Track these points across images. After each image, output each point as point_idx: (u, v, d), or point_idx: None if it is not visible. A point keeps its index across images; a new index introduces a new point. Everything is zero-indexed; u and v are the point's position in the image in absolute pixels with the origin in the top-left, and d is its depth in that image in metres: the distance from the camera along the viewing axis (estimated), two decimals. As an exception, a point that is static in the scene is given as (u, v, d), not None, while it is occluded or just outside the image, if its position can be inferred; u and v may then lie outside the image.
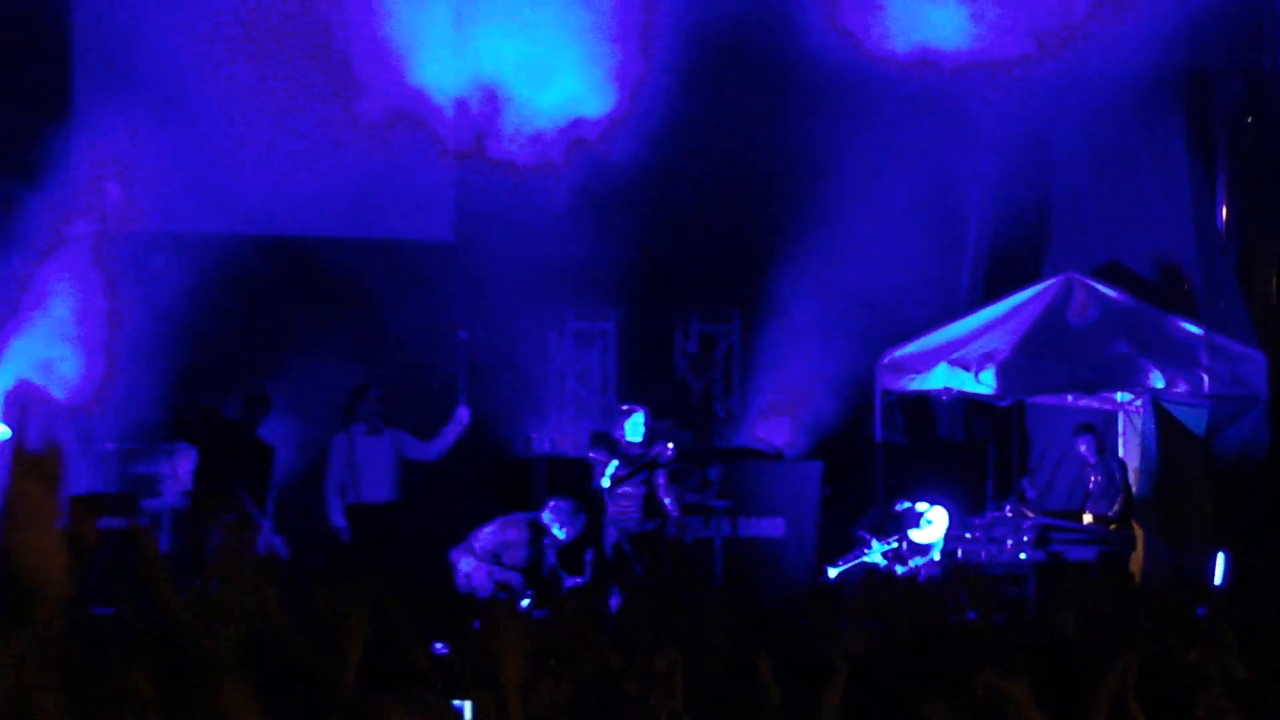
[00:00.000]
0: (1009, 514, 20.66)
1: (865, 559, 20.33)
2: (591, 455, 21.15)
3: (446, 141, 22.53)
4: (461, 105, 22.46)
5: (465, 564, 20.70)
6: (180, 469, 20.28)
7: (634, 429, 20.73)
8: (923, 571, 20.00)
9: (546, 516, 20.22)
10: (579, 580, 19.88)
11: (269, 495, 20.03)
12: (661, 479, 20.82)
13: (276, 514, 19.91)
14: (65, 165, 21.51)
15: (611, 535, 20.60)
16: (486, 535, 20.49)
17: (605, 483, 20.55)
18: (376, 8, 22.56)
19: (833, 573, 20.22)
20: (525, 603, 19.50)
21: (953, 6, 22.85)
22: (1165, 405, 21.93)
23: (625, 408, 21.34)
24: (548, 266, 22.51)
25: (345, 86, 22.18)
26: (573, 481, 21.08)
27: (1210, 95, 23.49)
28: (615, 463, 20.70)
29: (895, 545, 20.31)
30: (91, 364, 21.14)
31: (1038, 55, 22.81)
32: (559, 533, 19.96)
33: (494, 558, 20.50)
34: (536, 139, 22.24)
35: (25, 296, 20.64)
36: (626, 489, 20.69)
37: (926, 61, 22.67)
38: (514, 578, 20.42)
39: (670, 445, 20.81)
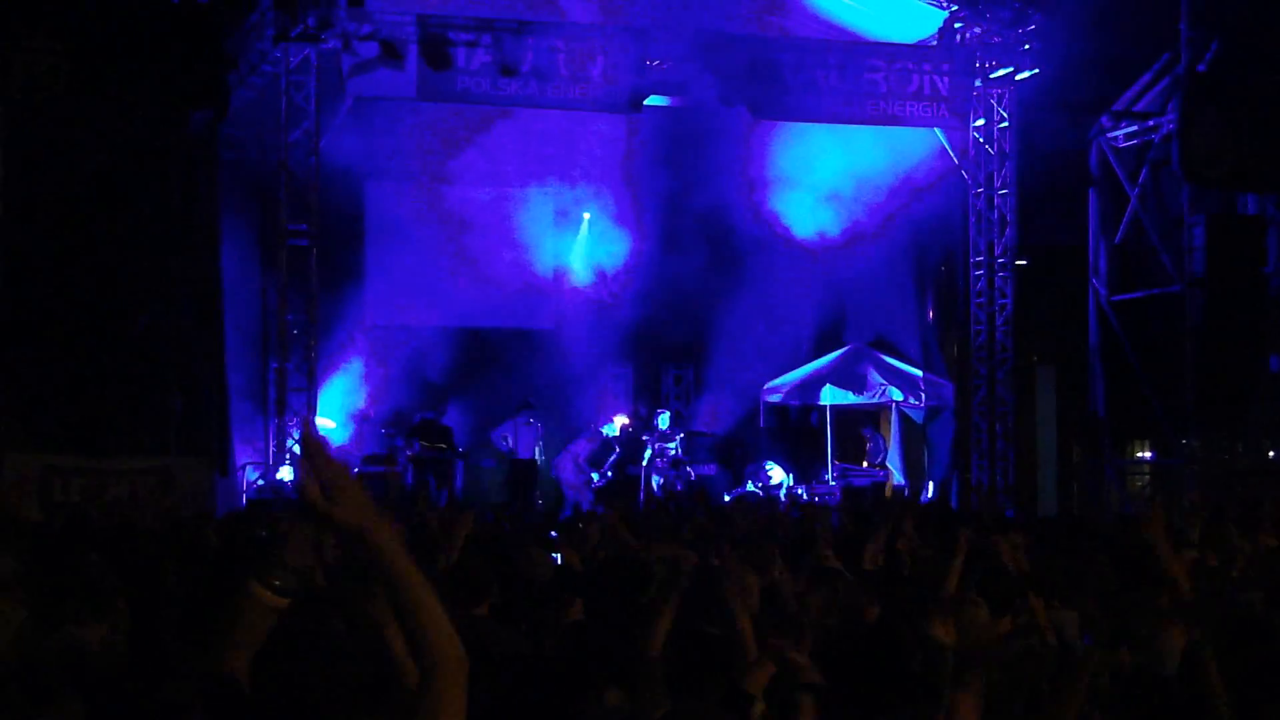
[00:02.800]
0: (837, 469, 29.98)
1: (747, 489, 29.30)
2: (644, 437, 29.65)
3: (549, 292, 31.52)
4: (558, 272, 31.55)
5: (561, 461, 29.14)
6: (414, 443, 28.17)
7: (664, 420, 29.74)
8: (781, 498, 28.32)
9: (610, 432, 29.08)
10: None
11: (458, 452, 28.94)
12: (670, 449, 29.42)
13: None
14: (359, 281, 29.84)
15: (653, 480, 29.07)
16: (576, 442, 29.33)
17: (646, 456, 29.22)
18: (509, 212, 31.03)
19: (727, 497, 28.53)
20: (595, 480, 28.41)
21: (830, 209, 31.19)
22: (904, 410, 31.33)
23: (658, 410, 30.28)
24: (605, 347, 31.04)
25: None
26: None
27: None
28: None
29: (760, 484, 29.50)
30: (365, 397, 29.61)
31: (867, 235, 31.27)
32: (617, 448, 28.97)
33: (576, 458, 29.07)
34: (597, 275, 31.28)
35: (334, 361, 28.76)
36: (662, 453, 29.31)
37: (804, 243, 31.57)
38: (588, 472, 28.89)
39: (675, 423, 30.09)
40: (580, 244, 31.57)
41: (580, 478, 28.91)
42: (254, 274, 26.70)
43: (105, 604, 8.08)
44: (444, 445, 28.84)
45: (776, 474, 29.62)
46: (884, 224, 31.08)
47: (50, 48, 23.13)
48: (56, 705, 5.73)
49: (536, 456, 29.25)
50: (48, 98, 23.34)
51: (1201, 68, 27.50)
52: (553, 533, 15.63)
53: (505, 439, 29.11)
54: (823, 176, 30.65)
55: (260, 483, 25.62)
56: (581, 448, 29.32)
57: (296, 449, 24.18)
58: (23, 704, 6.01)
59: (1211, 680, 6.86)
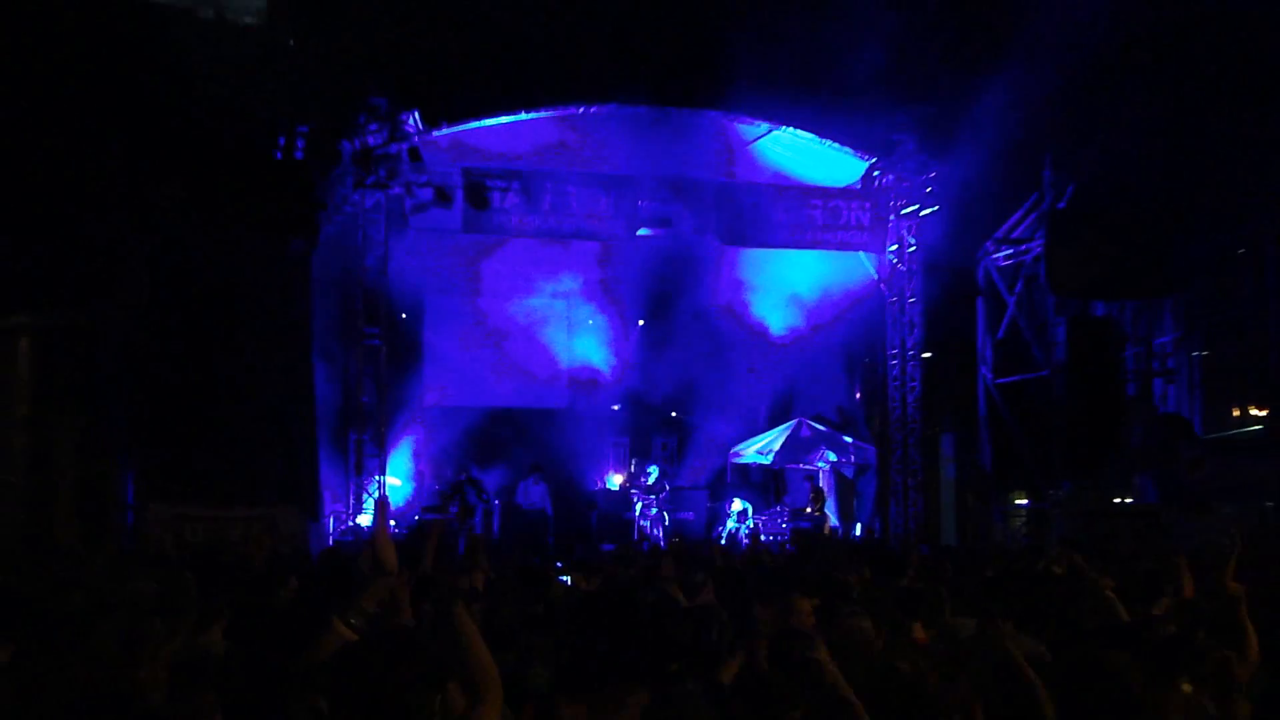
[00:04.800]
0: (779, 509, 29.77)
1: (718, 530, 29.21)
2: (634, 490, 29.39)
3: (564, 378, 31.61)
4: (570, 363, 31.26)
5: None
6: (456, 501, 26.95)
7: (652, 477, 29.39)
8: (741, 534, 28.54)
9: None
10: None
11: (492, 501, 28.00)
12: (658, 497, 29.03)
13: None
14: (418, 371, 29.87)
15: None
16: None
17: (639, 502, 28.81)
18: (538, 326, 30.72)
19: (714, 533, 28.90)
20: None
21: (781, 312, 31.53)
22: (838, 468, 31.36)
23: (647, 470, 29.74)
24: (606, 421, 31.12)
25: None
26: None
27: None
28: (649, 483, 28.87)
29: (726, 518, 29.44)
30: (422, 461, 29.70)
31: (810, 333, 31.46)
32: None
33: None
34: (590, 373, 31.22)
35: (399, 433, 28.69)
36: (649, 501, 28.85)
37: (761, 339, 31.66)
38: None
39: (661, 478, 29.43)
40: (587, 340, 31.50)
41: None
42: (338, 365, 26.46)
43: (215, 618, 8.12)
44: (482, 495, 28.16)
45: (737, 504, 29.44)
46: (823, 325, 31.27)
47: (183, 191, 23.00)
48: (196, 695, 5.79)
49: (545, 507, 28.64)
50: (183, 228, 23.21)
51: (1061, 205, 27.61)
52: (559, 563, 15.71)
53: (526, 494, 28.76)
54: (776, 287, 30.85)
55: (343, 527, 25.49)
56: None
57: (372, 504, 24.83)
58: (177, 693, 6.09)
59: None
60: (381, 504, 6.59)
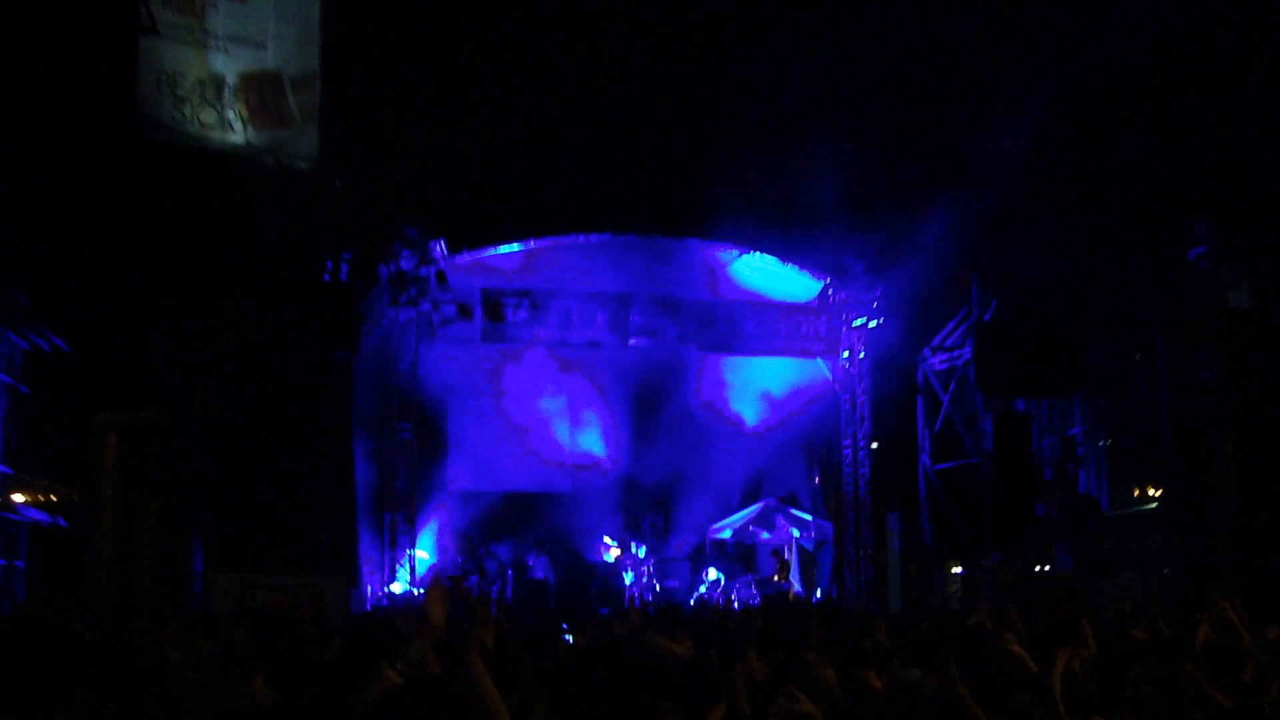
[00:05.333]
0: (749, 577, 28.75)
1: (700, 592, 28.27)
2: (627, 561, 28.60)
3: (568, 465, 30.43)
4: (573, 452, 30.28)
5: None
6: (476, 573, 27.03)
7: (642, 550, 28.84)
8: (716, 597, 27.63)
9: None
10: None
11: (506, 571, 27.58)
12: (647, 567, 28.46)
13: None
14: (443, 460, 28.94)
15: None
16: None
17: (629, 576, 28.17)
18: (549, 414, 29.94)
19: (692, 599, 28.07)
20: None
21: (753, 408, 30.65)
22: (800, 543, 30.67)
23: (638, 544, 29.03)
24: (604, 502, 30.17)
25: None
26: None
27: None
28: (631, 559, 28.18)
29: (704, 584, 28.55)
30: (447, 536, 28.87)
31: (776, 425, 30.55)
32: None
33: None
34: (590, 461, 30.61)
35: (428, 513, 27.80)
36: (640, 571, 28.19)
37: (736, 431, 30.77)
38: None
39: (649, 554, 28.79)
40: (588, 433, 31.05)
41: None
42: (376, 454, 26.34)
43: (257, 669, 8.13)
44: (499, 565, 28.14)
45: (713, 573, 29.04)
46: (787, 419, 30.94)
47: (248, 308, 23.40)
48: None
49: (548, 577, 28.51)
50: (247, 339, 23.47)
51: (987, 318, 27.85)
52: (564, 624, 15.78)
53: (532, 565, 28.59)
54: (750, 386, 30.49)
55: (379, 593, 25.42)
56: None
57: (405, 572, 24.46)
58: None
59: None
60: (437, 575, 6.77)
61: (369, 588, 25.63)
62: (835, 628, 13.22)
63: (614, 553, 29.32)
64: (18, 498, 22.74)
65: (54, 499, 23.12)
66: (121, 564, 21.79)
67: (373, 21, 24.26)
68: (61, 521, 23.16)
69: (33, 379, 23.50)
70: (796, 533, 30.67)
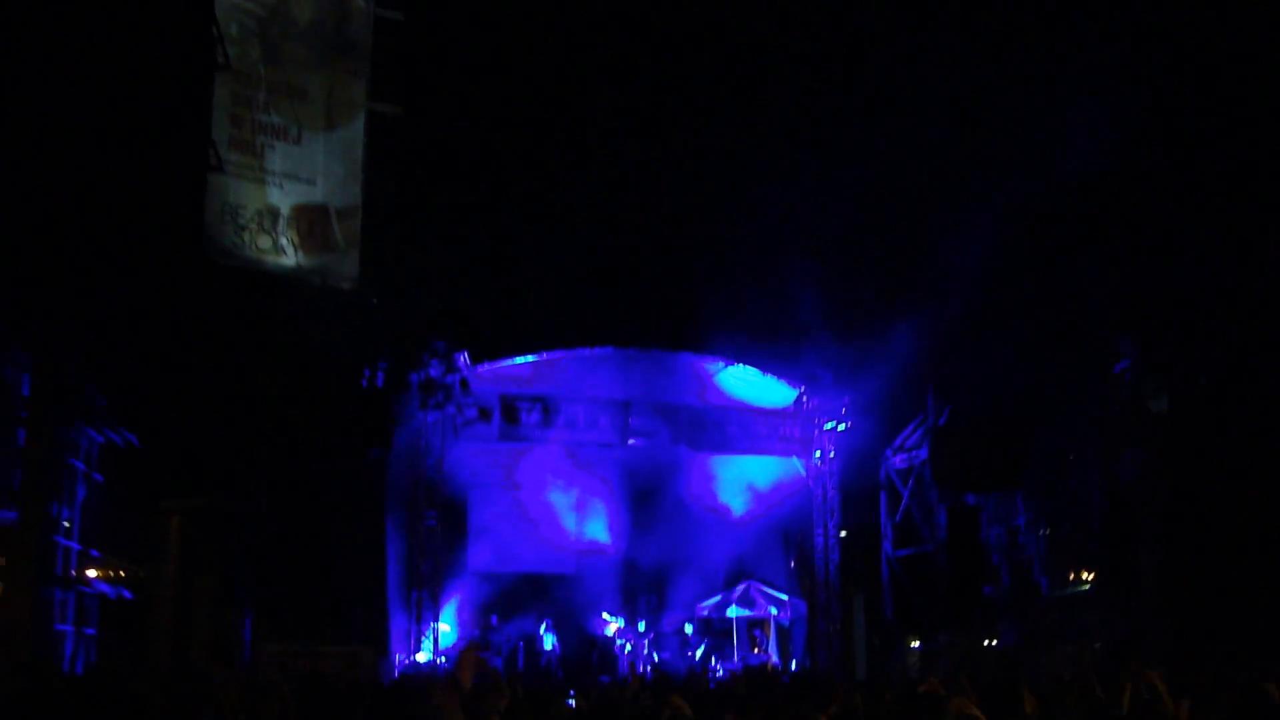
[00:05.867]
0: (731, 650, 29.00)
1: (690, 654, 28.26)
2: (627, 634, 28.62)
3: (574, 549, 29.99)
4: (578, 538, 29.89)
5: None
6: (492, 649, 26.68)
7: (641, 626, 28.70)
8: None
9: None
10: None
11: (517, 644, 27.44)
12: (644, 640, 28.37)
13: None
14: (464, 545, 28.27)
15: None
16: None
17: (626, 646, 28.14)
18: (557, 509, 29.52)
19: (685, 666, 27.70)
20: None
21: (736, 500, 29.88)
22: (777, 620, 29.98)
23: (637, 620, 28.87)
24: (605, 582, 29.83)
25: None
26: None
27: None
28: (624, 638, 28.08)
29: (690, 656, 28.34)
30: (467, 612, 28.09)
31: (757, 516, 29.87)
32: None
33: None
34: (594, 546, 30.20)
35: (450, 591, 27.27)
36: (638, 644, 28.11)
37: (721, 520, 29.87)
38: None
39: (647, 629, 28.60)
40: (592, 521, 30.70)
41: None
42: (405, 539, 26.03)
43: None
44: (508, 638, 27.96)
45: (700, 646, 28.92)
46: (767, 510, 30.54)
47: (294, 410, 23.16)
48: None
49: (555, 648, 28.25)
50: (293, 438, 23.23)
51: (941, 423, 27.89)
52: (570, 690, 15.55)
53: (540, 638, 28.28)
54: (735, 480, 30.11)
55: (407, 662, 25.14)
56: None
57: (429, 642, 24.11)
58: None
59: None
60: (470, 643, 6.58)
61: (398, 656, 25.25)
62: (808, 695, 13.10)
63: (613, 627, 28.95)
64: (91, 573, 22.71)
65: (122, 574, 23.03)
66: (180, 633, 21.51)
67: (409, 160, 24.45)
68: (127, 594, 23.16)
69: (107, 469, 23.51)
70: (774, 610, 30.24)
